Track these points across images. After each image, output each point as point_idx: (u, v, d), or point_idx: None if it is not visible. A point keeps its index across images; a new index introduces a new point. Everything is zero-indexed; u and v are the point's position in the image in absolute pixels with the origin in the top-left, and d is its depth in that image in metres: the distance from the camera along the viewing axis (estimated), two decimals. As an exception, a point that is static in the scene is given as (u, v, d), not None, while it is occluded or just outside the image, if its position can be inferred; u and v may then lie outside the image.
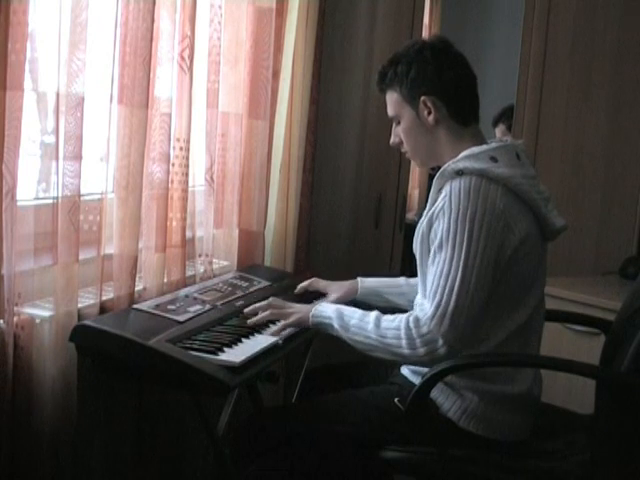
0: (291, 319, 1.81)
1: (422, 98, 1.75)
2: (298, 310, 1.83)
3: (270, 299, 1.88)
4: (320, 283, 2.09)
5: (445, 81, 1.75)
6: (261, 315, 1.82)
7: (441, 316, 1.60)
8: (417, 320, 1.63)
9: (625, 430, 1.63)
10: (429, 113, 1.76)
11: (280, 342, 1.74)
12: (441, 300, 1.61)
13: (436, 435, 1.70)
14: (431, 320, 1.61)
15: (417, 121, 1.78)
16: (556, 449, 1.75)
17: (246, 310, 1.87)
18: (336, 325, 1.74)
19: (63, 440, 1.70)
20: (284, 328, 1.80)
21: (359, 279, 2.07)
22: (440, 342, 1.60)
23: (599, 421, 1.70)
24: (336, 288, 2.06)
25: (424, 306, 1.65)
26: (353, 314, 1.74)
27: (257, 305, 1.87)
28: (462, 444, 1.70)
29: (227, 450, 1.80)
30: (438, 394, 1.72)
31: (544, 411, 1.83)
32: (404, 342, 1.63)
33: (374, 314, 1.71)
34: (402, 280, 2.08)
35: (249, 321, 1.82)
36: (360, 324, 1.71)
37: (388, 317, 1.69)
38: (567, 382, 2.35)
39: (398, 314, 1.69)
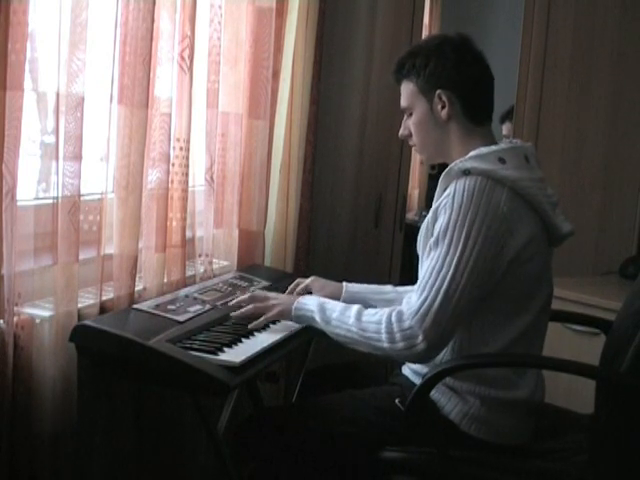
0: (273, 311, 1.80)
1: (438, 92, 1.74)
2: (281, 302, 1.82)
3: (253, 292, 1.89)
4: (305, 281, 2.04)
5: (463, 77, 1.74)
6: (245, 309, 1.82)
7: (425, 313, 1.59)
8: (400, 314, 1.62)
9: (625, 430, 1.63)
10: (443, 107, 1.75)
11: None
12: (427, 296, 1.60)
13: (436, 436, 1.69)
14: (414, 315, 1.60)
15: (430, 114, 1.77)
16: (556, 449, 1.75)
17: (230, 303, 1.88)
18: (318, 318, 1.74)
19: (63, 440, 1.70)
20: (268, 321, 1.80)
21: (344, 284, 2.03)
22: (420, 338, 1.59)
23: (599, 421, 1.70)
24: (319, 286, 2.01)
25: (411, 299, 1.63)
26: (335, 307, 1.74)
27: (240, 298, 1.88)
28: (462, 446, 1.69)
29: (227, 450, 1.80)
30: (440, 396, 1.72)
31: (544, 411, 1.83)
32: (384, 336, 1.62)
33: (356, 307, 1.71)
34: (389, 287, 2.05)
35: (232, 314, 1.82)
36: (341, 317, 1.70)
37: (370, 311, 1.69)
38: (567, 382, 2.35)
39: (380, 309, 1.69)
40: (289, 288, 2.04)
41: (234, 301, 1.89)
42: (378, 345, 1.64)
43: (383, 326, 1.63)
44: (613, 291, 2.61)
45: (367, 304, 1.92)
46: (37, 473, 1.64)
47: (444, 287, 1.60)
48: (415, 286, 1.67)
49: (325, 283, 2.03)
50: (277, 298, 1.85)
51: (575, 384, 2.31)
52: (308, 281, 2.03)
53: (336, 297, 1.97)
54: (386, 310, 1.65)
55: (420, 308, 1.60)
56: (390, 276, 3.07)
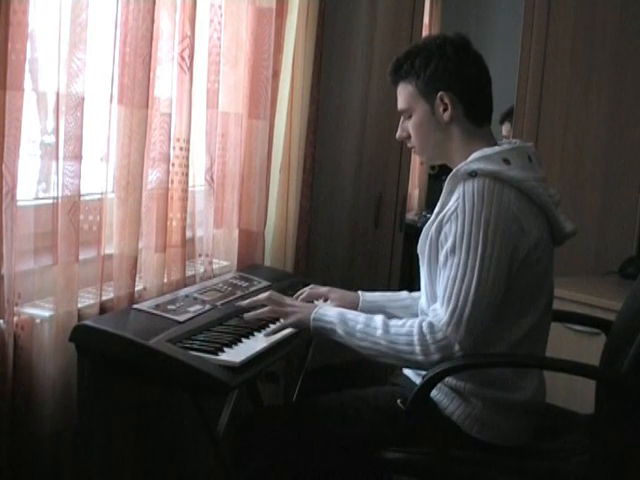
0: (291, 319, 1.76)
1: (440, 93, 1.72)
2: (299, 310, 1.78)
3: (268, 293, 1.82)
4: (320, 290, 2.01)
5: (465, 79, 1.73)
6: (260, 311, 1.79)
7: (457, 322, 1.58)
8: (432, 326, 1.60)
9: (625, 430, 1.63)
10: (445, 109, 1.73)
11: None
12: (456, 306, 1.59)
13: (438, 436, 1.69)
14: (447, 326, 1.59)
15: (431, 116, 1.75)
16: (556, 449, 1.75)
17: (244, 303, 1.83)
18: (340, 331, 1.70)
19: (63, 440, 1.70)
20: (283, 328, 1.77)
21: (360, 292, 2.00)
22: (457, 347, 1.58)
23: (599, 421, 1.70)
24: (337, 297, 1.98)
25: (437, 311, 1.62)
26: (357, 318, 1.70)
27: (256, 298, 1.82)
28: (464, 447, 1.69)
29: (227, 450, 1.80)
30: (442, 397, 1.72)
31: (545, 412, 1.83)
32: (418, 348, 1.60)
33: (380, 318, 1.68)
34: (405, 294, 2.03)
35: (246, 315, 1.79)
36: (367, 329, 1.67)
37: (396, 322, 1.67)
38: (567, 382, 2.35)
39: (406, 319, 1.67)
40: (304, 294, 1.99)
41: (248, 301, 1.83)
42: (411, 358, 1.62)
43: (415, 338, 1.61)
44: (613, 291, 2.61)
45: (384, 312, 1.91)
46: (37, 473, 1.64)
47: (471, 295, 1.59)
48: (439, 295, 1.65)
49: (343, 293, 1.99)
50: (294, 305, 1.81)
51: (575, 384, 2.31)
52: (324, 290, 2.00)
53: (353, 307, 1.95)
54: (414, 321, 1.64)
55: (452, 318, 1.59)
56: (390, 276, 3.08)
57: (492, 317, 1.62)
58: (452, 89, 1.72)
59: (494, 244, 1.60)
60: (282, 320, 1.78)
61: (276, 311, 1.79)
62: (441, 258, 1.66)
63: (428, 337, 1.60)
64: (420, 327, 1.61)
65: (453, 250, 1.62)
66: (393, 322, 1.67)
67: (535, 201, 1.67)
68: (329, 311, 1.74)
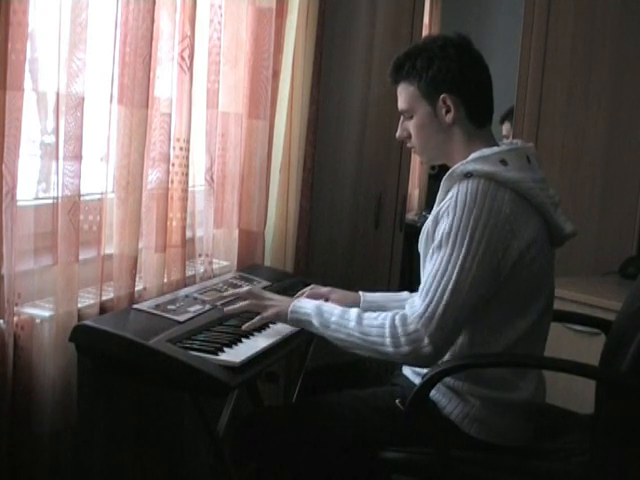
0: (269, 312, 1.77)
1: (442, 96, 1.72)
2: (277, 303, 1.79)
3: (249, 287, 1.86)
4: (321, 290, 2.01)
5: (468, 80, 1.72)
6: (239, 304, 1.81)
7: (430, 316, 1.58)
8: (404, 318, 1.60)
9: (625, 430, 1.63)
10: (447, 111, 1.73)
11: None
12: (432, 300, 1.59)
13: (437, 436, 1.69)
14: (419, 319, 1.58)
15: (433, 118, 1.75)
16: (556, 449, 1.75)
17: (224, 294, 1.84)
18: (315, 322, 1.71)
19: (63, 440, 1.70)
20: (262, 321, 1.77)
21: (361, 293, 2.00)
22: (425, 342, 1.57)
23: (599, 421, 1.70)
24: (338, 297, 1.98)
25: (414, 303, 1.62)
26: (333, 310, 1.71)
27: (236, 291, 1.85)
28: (463, 447, 1.69)
29: (227, 450, 1.80)
30: (441, 397, 1.72)
31: (545, 412, 1.83)
32: (388, 340, 1.60)
33: (355, 311, 1.69)
34: (405, 294, 2.02)
35: (226, 309, 1.80)
36: (341, 321, 1.68)
37: (371, 314, 1.67)
38: (567, 382, 2.35)
39: (381, 312, 1.68)
40: (305, 294, 1.98)
41: (229, 292, 1.86)
42: (381, 349, 1.62)
43: (387, 330, 1.61)
44: (613, 291, 2.61)
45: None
46: (37, 473, 1.64)
47: (448, 291, 1.58)
48: (419, 288, 1.66)
49: (344, 294, 1.99)
50: (273, 299, 1.82)
51: (575, 384, 2.30)
52: (325, 290, 2.00)
53: (355, 307, 1.95)
54: (388, 314, 1.64)
55: (425, 312, 1.58)
56: (390, 276, 3.07)
57: (469, 316, 1.62)
58: (455, 91, 1.72)
59: (480, 245, 1.60)
60: (261, 313, 1.78)
61: (255, 304, 1.80)
62: (428, 253, 1.67)
63: (399, 329, 1.60)
64: (393, 319, 1.61)
65: (439, 246, 1.63)
66: (367, 314, 1.67)
67: (531, 202, 1.66)
68: (307, 303, 1.76)
